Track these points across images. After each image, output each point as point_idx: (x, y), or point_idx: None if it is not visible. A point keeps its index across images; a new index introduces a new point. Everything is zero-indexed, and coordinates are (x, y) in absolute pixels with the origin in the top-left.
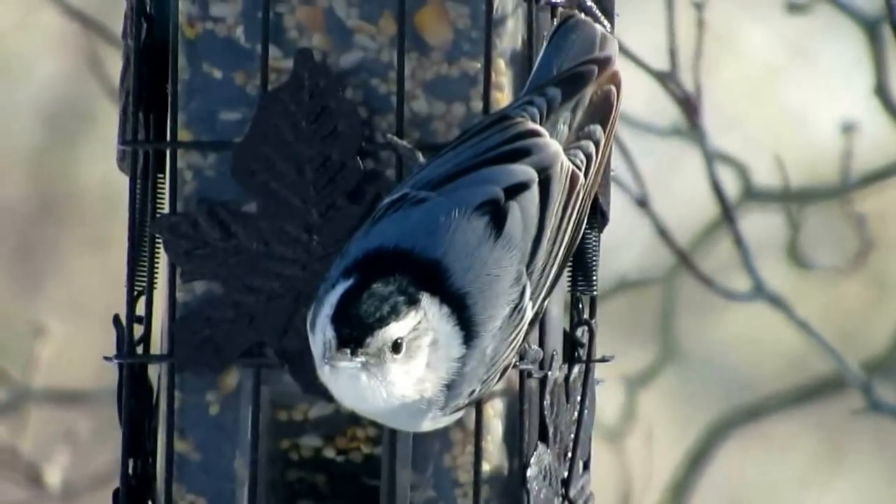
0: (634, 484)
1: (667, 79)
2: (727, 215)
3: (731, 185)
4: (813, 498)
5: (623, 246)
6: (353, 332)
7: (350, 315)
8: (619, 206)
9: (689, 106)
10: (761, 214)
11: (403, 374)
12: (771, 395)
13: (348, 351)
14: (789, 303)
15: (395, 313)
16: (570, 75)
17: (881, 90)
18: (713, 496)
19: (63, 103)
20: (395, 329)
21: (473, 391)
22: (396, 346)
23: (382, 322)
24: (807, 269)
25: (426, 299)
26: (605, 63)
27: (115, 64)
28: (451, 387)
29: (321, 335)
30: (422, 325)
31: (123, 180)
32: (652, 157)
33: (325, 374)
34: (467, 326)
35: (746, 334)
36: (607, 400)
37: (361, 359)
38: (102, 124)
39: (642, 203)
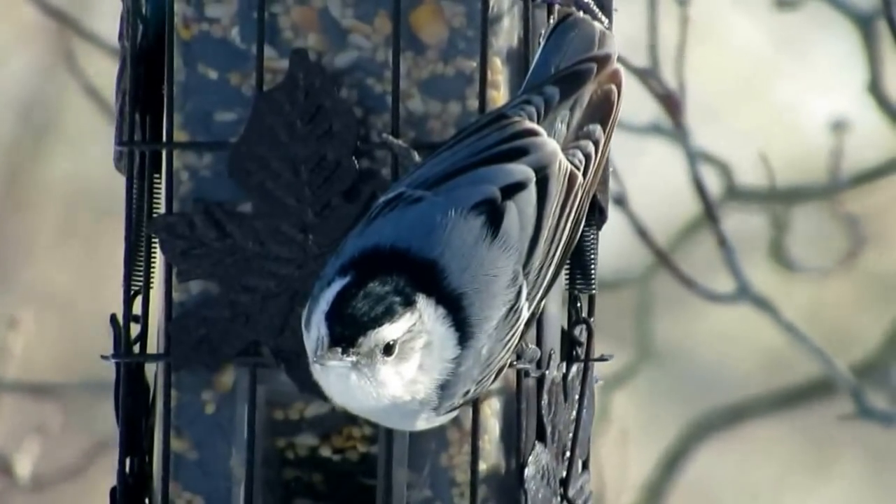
0: (608, 486)
1: (647, 75)
2: (709, 214)
3: (714, 184)
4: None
5: (600, 245)
6: (346, 331)
7: (344, 314)
8: None
9: (671, 103)
10: (746, 214)
11: (394, 375)
12: (753, 399)
13: (339, 350)
14: (775, 304)
15: (389, 314)
16: (568, 74)
17: (875, 87)
18: (688, 499)
19: (34, 97)
20: (389, 331)
21: (468, 391)
22: (388, 348)
23: (376, 323)
24: (793, 270)
25: (422, 300)
26: (604, 61)
27: (87, 59)
28: (444, 387)
29: (315, 332)
30: (416, 328)
31: (94, 173)
32: (630, 154)
33: (315, 372)
34: (463, 327)
35: (730, 336)
36: (595, 399)
37: (352, 358)
38: (74, 118)
39: (619, 201)
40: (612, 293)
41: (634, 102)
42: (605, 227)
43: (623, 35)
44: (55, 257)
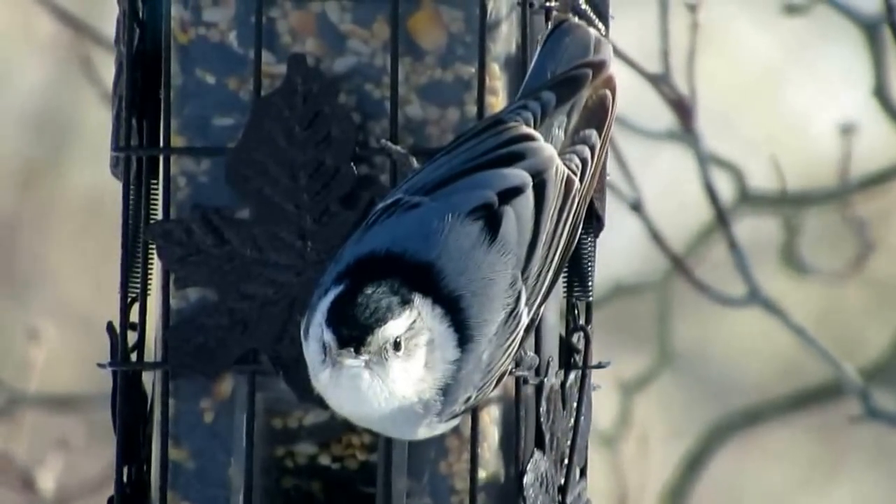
0: (629, 490)
1: (660, 81)
2: (721, 219)
3: (726, 189)
4: None
5: (617, 251)
6: (353, 331)
7: (346, 316)
8: (612, 210)
9: (683, 108)
10: (757, 218)
11: (404, 372)
12: (767, 402)
13: (352, 349)
14: (785, 308)
15: (390, 312)
16: (564, 79)
17: (880, 92)
18: (710, 502)
19: (51, 108)
20: (394, 327)
21: (469, 398)
22: (396, 345)
23: (380, 321)
24: (803, 273)
25: (418, 299)
26: (599, 67)
27: (105, 68)
28: (446, 392)
29: (317, 343)
30: (417, 324)
31: (113, 185)
32: (646, 160)
33: (321, 380)
34: (461, 329)
35: (742, 340)
36: (602, 405)
37: (365, 357)
38: (92, 129)
39: (636, 207)
40: (632, 298)
41: (647, 108)
42: (623, 232)
43: (634, 41)
44: (74, 269)
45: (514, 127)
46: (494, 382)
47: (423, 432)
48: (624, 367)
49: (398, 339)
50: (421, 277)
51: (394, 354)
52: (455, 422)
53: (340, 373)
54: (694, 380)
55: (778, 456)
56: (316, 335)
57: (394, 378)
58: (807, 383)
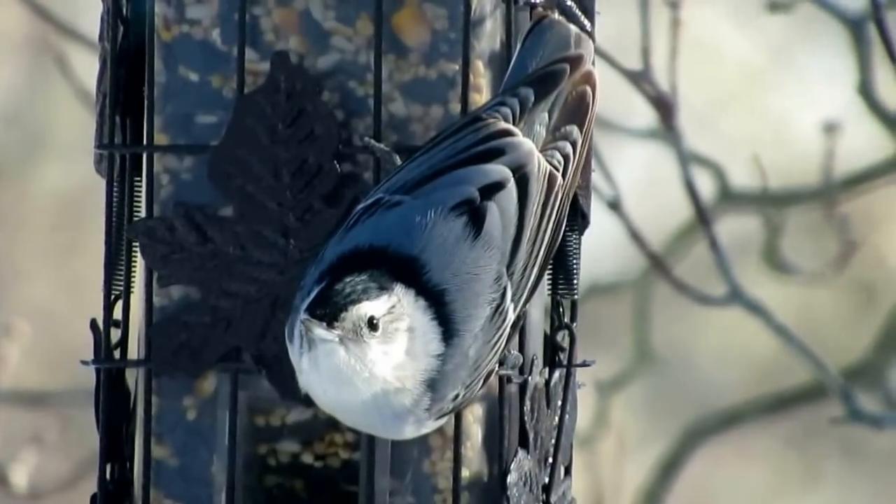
0: (605, 490)
1: (640, 78)
2: (702, 218)
3: (707, 188)
4: None
5: (595, 249)
6: (327, 309)
7: (322, 299)
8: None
9: (664, 106)
10: (738, 217)
11: (382, 354)
12: (747, 403)
13: (324, 323)
14: (767, 308)
15: (366, 293)
16: (541, 75)
17: (865, 90)
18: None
19: (23, 104)
20: (369, 306)
21: (458, 395)
22: (372, 325)
23: (355, 302)
24: (785, 273)
25: (400, 288)
26: (576, 61)
27: (78, 64)
28: (433, 388)
29: (298, 340)
30: (397, 310)
31: (86, 182)
32: (625, 158)
33: (303, 368)
34: (446, 323)
35: (722, 340)
36: (579, 405)
37: (338, 332)
38: (64, 125)
39: (614, 205)
40: (609, 297)
41: (628, 106)
42: (600, 231)
43: (615, 38)
44: (47, 265)
45: (493, 123)
46: (482, 381)
47: (410, 430)
48: (601, 367)
49: (375, 321)
50: (404, 270)
51: (370, 334)
52: (443, 421)
53: (317, 352)
54: (672, 380)
55: (757, 458)
56: (298, 333)
57: (372, 358)
58: (788, 384)
